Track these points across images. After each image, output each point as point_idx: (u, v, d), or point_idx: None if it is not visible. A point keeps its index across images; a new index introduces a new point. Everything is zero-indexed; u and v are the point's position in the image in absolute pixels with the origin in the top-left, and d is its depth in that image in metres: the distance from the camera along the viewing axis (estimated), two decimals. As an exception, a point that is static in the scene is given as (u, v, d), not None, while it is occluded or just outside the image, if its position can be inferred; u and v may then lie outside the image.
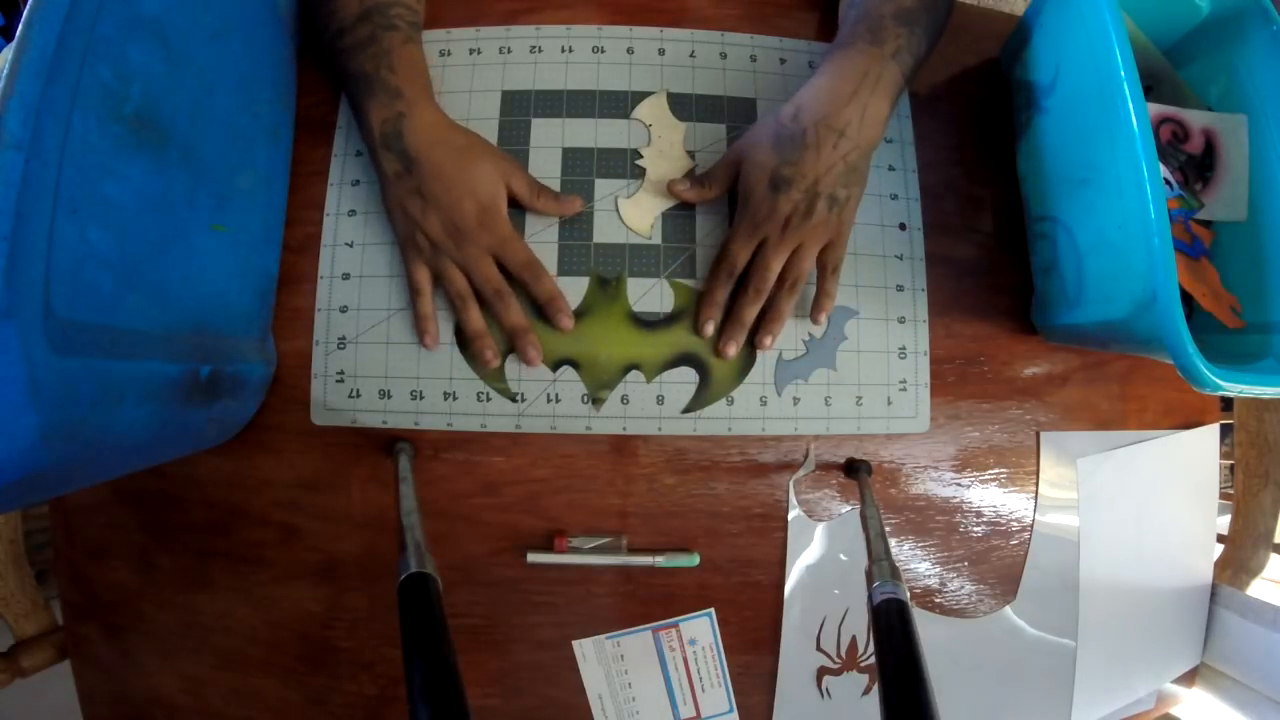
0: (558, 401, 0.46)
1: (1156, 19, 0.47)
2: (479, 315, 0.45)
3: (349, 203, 0.48)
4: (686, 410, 0.46)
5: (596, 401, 0.46)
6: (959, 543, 0.50)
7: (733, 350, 0.46)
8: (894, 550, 0.46)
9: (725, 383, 0.47)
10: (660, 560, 0.46)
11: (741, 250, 0.44)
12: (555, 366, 0.46)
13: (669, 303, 0.47)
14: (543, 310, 0.45)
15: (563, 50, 0.50)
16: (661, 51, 0.50)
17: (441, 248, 0.44)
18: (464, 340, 0.46)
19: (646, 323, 0.46)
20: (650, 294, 0.47)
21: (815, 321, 0.46)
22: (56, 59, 0.27)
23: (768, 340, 0.46)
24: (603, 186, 0.48)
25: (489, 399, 0.46)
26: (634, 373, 0.46)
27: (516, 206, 0.46)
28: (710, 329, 0.46)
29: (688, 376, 0.46)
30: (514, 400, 0.46)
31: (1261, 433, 0.57)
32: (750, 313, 0.45)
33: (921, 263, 0.49)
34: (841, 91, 0.42)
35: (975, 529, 0.50)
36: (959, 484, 0.50)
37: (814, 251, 0.45)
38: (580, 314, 0.46)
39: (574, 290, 0.46)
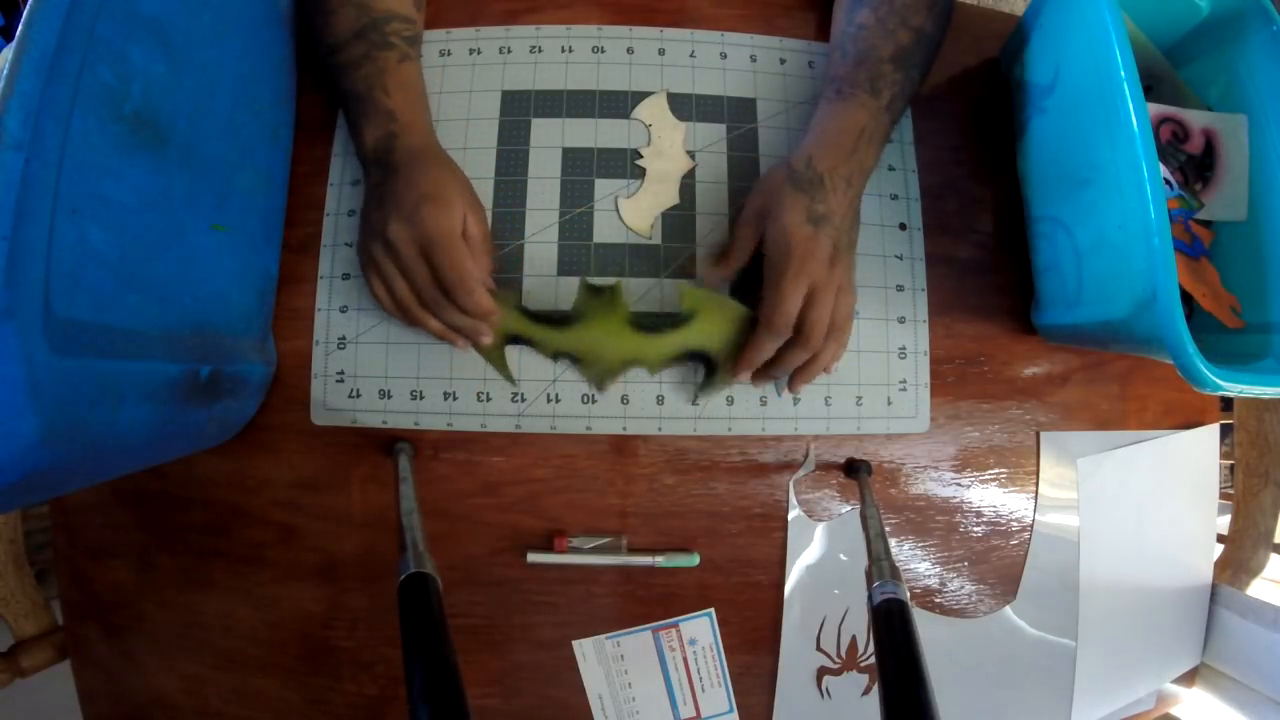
0: (558, 401, 0.46)
1: (1156, 19, 0.47)
2: (432, 318, 0.43)
3: (349, 203, 0.48)
4: (694, 401, 0.46)
5: (599, 387, 0.46)
6: (959, 543, 0.50)
7: (761, 386, 0.46)
8: (894, 550, 0.46)
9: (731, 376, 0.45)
10: (660, 560, 0.46)
11: (794, 297, 0.40)
12: (555, 357, 0.46)
13: (671, 305, 0.46)
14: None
15: (563, 50, 0.50)
16: (661, 51, 0.50)
17: (391, 250, 0.41)
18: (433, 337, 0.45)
19: (648, 326, 0.45)
20: (650, 294, 0.47)
21: (829, 372, 0.45)
22: (56, 59, 0.27)
23: (803, 387, 0.45)
24: (602, 186, 0.48)
25: (489, 399, 0.46)
26: (636, 370, 0.46)
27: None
28: (746, 378, 0.44)
29: (692, 374, 0.47)
30: (512, 381, 0.46)
31: (1261, 433, 0.57)
32: (797, 360, 0.43)
33: (921, 263, 0.49)
34: (845, 144, 0.43)
35: (975, 529, 0.50)
36: (959, 484, 0.50)
37: (847, 294, 0.43)
38: (574, 319, 0.45)
39: (567, 291, 0.46)
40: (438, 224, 0.40)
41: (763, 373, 0.45)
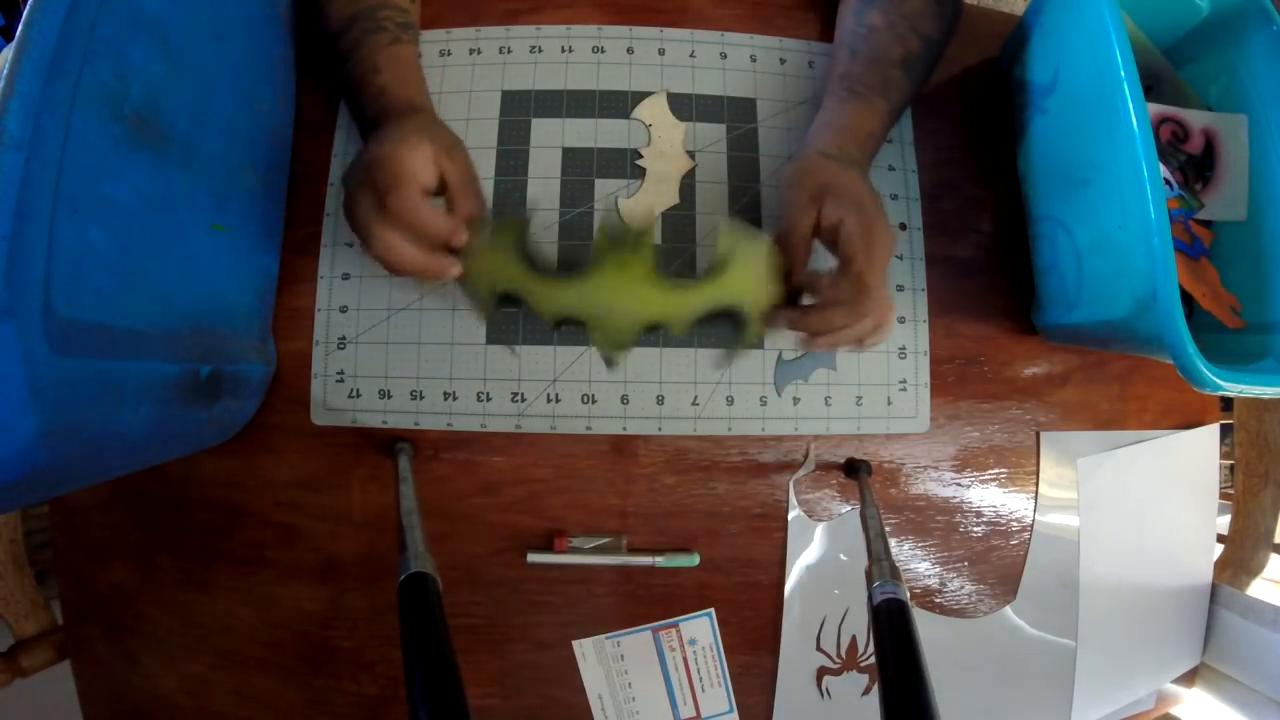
0: (558, 401, 0.46)
1: (1156, 19, 0.47)
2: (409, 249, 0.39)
3: (349, 203, 0.47)
4: (731, 350, 0.44)
5: (611, 363, 0.41)
6: (959, 543, 0.50)
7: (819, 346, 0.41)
8: (894, 550, 0.46)
9: (762, 334, 0.42)
10: (660, 560, 0.46)
11: (879, 276, 0.39)
12: (557, 324, 0.41)
13: (719, 195, 0.42)
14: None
15: (563, 50, 0.50)
16: (661, 51, 0.50)
17: (354, 206, 0.39)
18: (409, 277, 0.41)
19: (674, 278, 0.40)
20: (687, 194, 0.44)
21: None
22: (56, 59, 0.27)
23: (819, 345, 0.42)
24: (602, 186, 0.48)
25: (489, 399, 0.46)
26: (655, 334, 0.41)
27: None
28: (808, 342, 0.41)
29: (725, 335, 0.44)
30: (513, 353, 0.45)
31: (1261, 433, 0.57)
32: (865, 329, 0.40)
33: (921, 263, 0.49)
34: (861, 141, 0.44)
35: (975, 529, 0.50)
36: (959, 484, 0.50)
37: None
38: (589, 267, 0.40)
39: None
40: (382, 148, 0.38)
41: (832, 340, 0.40)
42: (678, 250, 0.47)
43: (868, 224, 0.39)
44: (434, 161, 0.39)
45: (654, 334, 0.41)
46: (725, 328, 0.43)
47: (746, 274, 0.40)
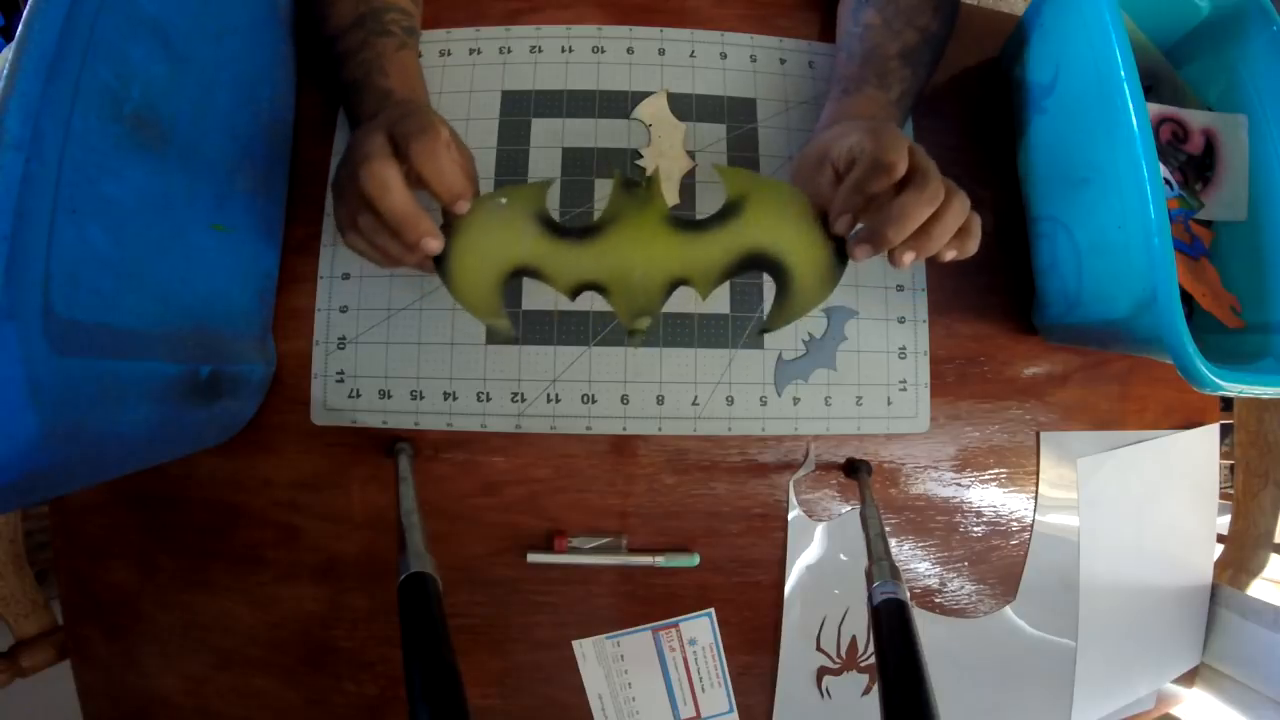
0: (558, 401, 0.46)
1: (1156, 19, 0.47)
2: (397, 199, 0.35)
3: (349, 203, 0.47)
4: (765, 329, 0.39)
5: (634, 334, 0.37)
6: (959, 543, 0.50)
7: (909, 259, 0.36)
8: (894, 550, 0.46)
9: (812, 291, 0.37)
10: (660, 560, 0.46)
11: (918, 159, 0.36)
12: (574, 293, 0.37)
13: (719, 196, 0.37)
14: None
15: (563, 50, 0.50)
16: (661, 51, 0.50)
17: (342, 188, 0.38)
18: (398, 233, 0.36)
19: (690, 223, 0.37)
20: (687, 194, 0.41)
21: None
22: (56, 59, 0.27)
23: (909, 258, 0.36)
24: (602, 187, 0.48)
25: (489, 399, 0.46)
26: (684, 289, 0.37)
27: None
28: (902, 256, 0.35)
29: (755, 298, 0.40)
30: (514, 342, 0.44)
31: (1261, 433, 0.57)
32: (927, 213, 0.35)
33: (921, 263, 0.49)
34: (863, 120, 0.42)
35: (975, 529, 0.50)
36: (959, 484, 0.50)
37: None
38: (604, 225, 0.37)
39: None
40: (366, 137, 0.35)
41: (912, 240, 0.35)
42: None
43: (877, 130, 0.36)
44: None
45: (678, 293, 0.37)
46: (753, 295, 0.39)
47: (768, 213, 0.36)
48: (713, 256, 0.37)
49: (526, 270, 0.37)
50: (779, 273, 0.37)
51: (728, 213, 0.37)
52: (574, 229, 0.37)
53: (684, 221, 0.37)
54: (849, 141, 0.37)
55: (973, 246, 0.37)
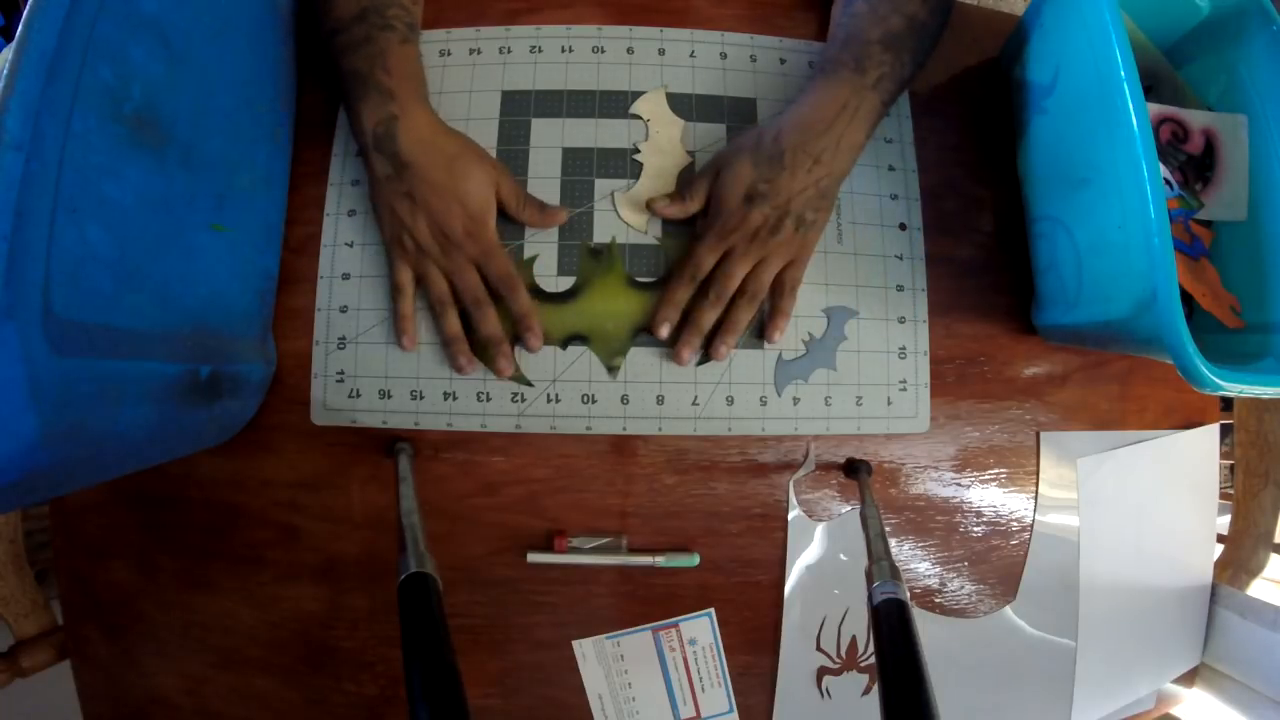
0: (558, 401, 0.46)
1: (1156, 19, 0.47)
2: (457, 321, 0.45)
3: (349, 203, 0.48)
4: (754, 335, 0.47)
5: (612, 369, 0.46)
6: (959, 543, 0.50)
7: (687, 355, 0.45)
8: (894, 550, 0.46)
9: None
10: (660, 560, 0.46)
11: (708, 256, 0.45)
12: (565, 344, 0.46)
13: (662, 262, 0.47)
14: (515, 325, 0.45)
15: (563, 50, 0.50)
16: (661, 51, 0.50)
17: (427, 251, 0.44)
18: (441, 341, 0.46)
19: (644, 284, 0.47)
20: (642, 257, 0.47)
21: (770, 340, 0.46)
22: (56, 59, 0.27)
23: (723, 350, 0.45)
24: (602, 186, 0.48)
25: (489, 399, 0.46)
26: (643, 335, 0.46)
27: (505, 216, 0.46)
28: (666, 330, 0.45)
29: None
30: (529, 385, 0.46)
31: (1261, 433, 0.57)
32: (709, 319, 0.45)
33: (921, 263, 0.49)
34: (821, 119, 0.43)
35: (975, 529, 0.50)
36: (959, 484, 0.50)
37: (775, 268, 0.45)
38: (578, 290, 0.46)
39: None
40: (478, 222, 0.44)
41: (685, 337, 0.45)
42: (676, 246, 0.47)
43: (713, 216, 0.45)
44: (493, 185, 0.44)
45: (643, 336, 0.46)
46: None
47: None
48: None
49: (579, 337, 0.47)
50: None
51: (669, 276, 0.46)
52: (557, 294, 0.46)
53: (639, 283, 0.47)
54: (709, 204, 0.46)
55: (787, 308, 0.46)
